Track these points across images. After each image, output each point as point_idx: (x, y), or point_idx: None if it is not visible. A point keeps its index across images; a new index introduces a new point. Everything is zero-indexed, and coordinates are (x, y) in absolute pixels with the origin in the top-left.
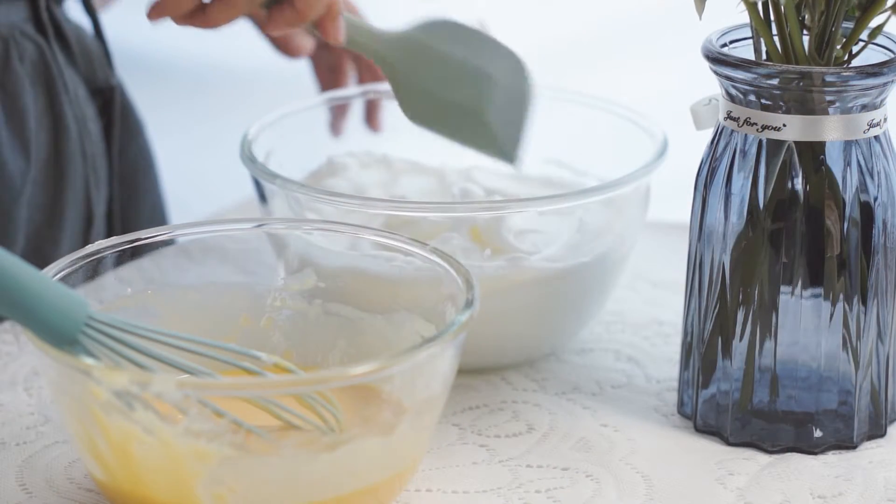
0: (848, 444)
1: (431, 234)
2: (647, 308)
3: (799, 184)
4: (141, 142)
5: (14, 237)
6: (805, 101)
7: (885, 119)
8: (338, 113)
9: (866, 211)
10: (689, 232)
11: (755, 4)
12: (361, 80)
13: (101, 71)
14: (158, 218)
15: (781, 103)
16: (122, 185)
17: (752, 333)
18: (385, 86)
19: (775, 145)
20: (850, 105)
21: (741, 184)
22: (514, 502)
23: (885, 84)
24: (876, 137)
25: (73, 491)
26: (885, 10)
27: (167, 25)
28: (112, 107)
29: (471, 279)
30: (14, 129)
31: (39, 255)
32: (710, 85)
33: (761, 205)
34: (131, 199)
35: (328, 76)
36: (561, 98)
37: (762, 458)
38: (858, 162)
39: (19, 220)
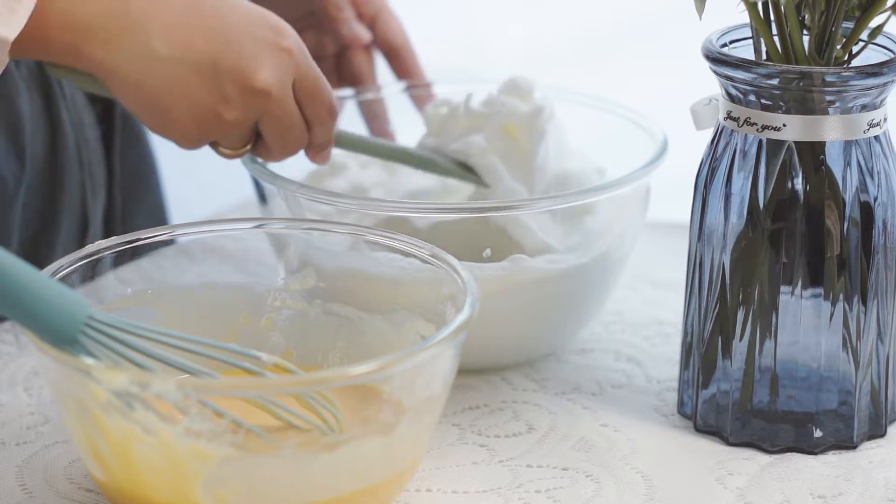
0: (848, 444)
1: (430, 234)
2: (647, 308)
3: (799, 184)
4: (143, 148)
5: (8, 242)
6: (805, 101)
7: (885, 119)
8: None
9: (866, 211)
10: (689, 232)
11: (755, 4)
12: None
13: None
14: (158, 223)
15: (781, 103)
16: (121, 190)
17: (752, 333)
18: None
19: (775, 145)
20: (850, 105)
21: (741, 184)
22: (514, 502)
23: (885, 84)
24: (876, 137)
25: (73, 491)
26: (885, 10)
27: None
28: (112, 113)
29: (471, 279)
30: (8, 134)
31: (34, 261)
32: (710, 85)
33: (761, 205)
34: (131, 204)
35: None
36: (561, 98)
37: (762, 458)
38: (858, 162)
39: (13, 225)
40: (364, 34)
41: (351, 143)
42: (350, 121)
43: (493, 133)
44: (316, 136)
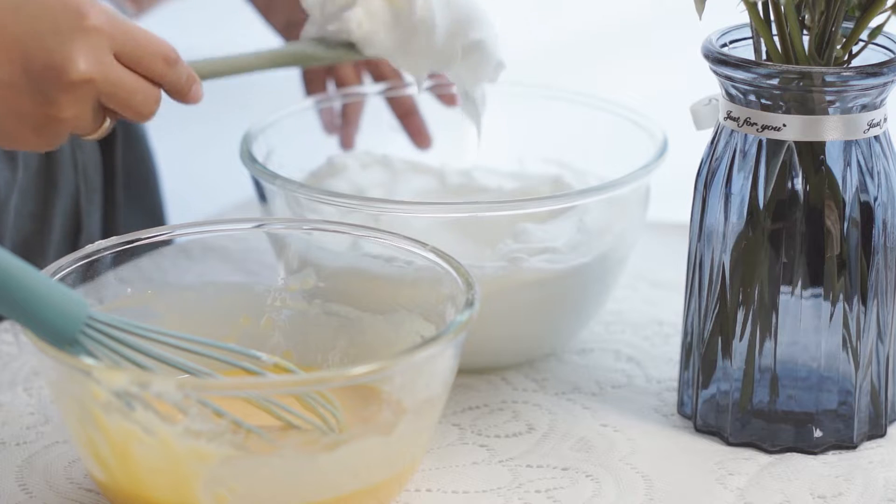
0: (848, 444)
1: (430, 234)
2: (647, 308)
3: (799, 184)
4: (141, 150)
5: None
6: (805, 101)
7: (885, 119)
8: (346, 121)
9: (866, 211)
10: (689, 232)
11: (755, 4)
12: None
13: None
14: (157, 225)
15: (781, 103)
16: (118, 193)
17: (752, 333)
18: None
19: (775, 145)
20: (850, 105)
21: (741, 184)
22: (514, 502)
23: (885, 84)
24: (876, 137)
25: (73, 491)
26: (885, 10)
27: (167, 25)
28: None
29: (471, 279)
30: None
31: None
32: (710, 85)
33: (761, 205)
34: (129, 206)
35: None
36: (561, 98)
37: (762, 458)
38: (858, 162)
39: (6, 228)
40: None
41: (215, 71)
42: (379, 117)
43: (373, 3)
44: (167, 87)
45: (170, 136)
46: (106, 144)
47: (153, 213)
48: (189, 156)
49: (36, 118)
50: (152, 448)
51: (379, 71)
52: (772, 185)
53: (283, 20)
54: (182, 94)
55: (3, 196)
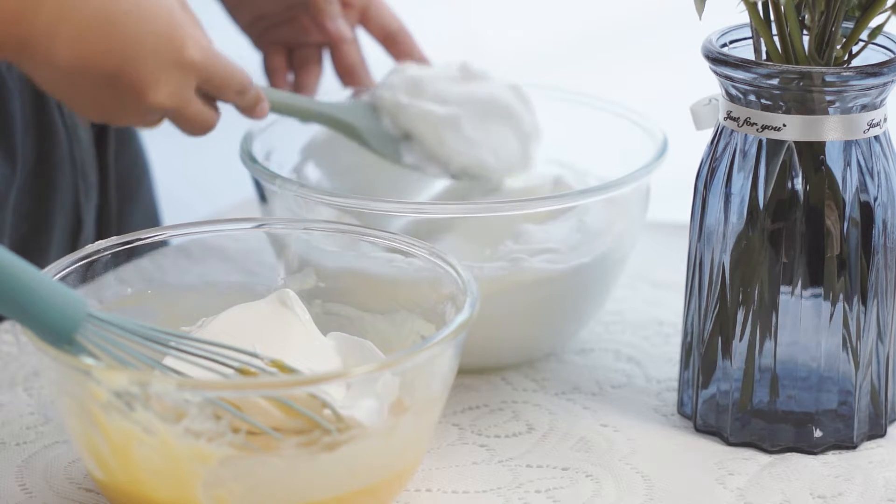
0: (848, 444)
1: (430, 233)
2: (647, 308)
3: (799, 184)
4: (135, 149)
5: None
6: (805, 101)
7: (885, 119)
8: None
9: (866, 211)
10: (689, 232)
11: (755, 4)
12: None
13: None
14: (151, 225)
15: (781, 103)
16: (111, 191)
17: (752, 333)
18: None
19: (775, 145)
20: (850, 105)
21: (741, 184)
22: (514, 502)
23: (885, 84)
24: (876, 137)
25: (73, 491)
26: (885, 10)
27: None
28: None
29: (471, 279)
30: (0, 136)
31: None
32: (710, 85)
33: (761, 205)
34: (124, 205)
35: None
36: (561, 98)
37: (762, 458)
38: (858, 162)
39: (5, 226)
40: (348, 33)
41: (278, 107)
42: None
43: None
44: (237, 108)
45: (169, 136)
46: (99, 142)
47: (148, 213)
48: (189, 156)
49: (107, 111)
50: (152, 448)
51: (345, 69)
52: (772, 185)
53: (249, 17)
54: (249, 113)
55: (2, 193)
